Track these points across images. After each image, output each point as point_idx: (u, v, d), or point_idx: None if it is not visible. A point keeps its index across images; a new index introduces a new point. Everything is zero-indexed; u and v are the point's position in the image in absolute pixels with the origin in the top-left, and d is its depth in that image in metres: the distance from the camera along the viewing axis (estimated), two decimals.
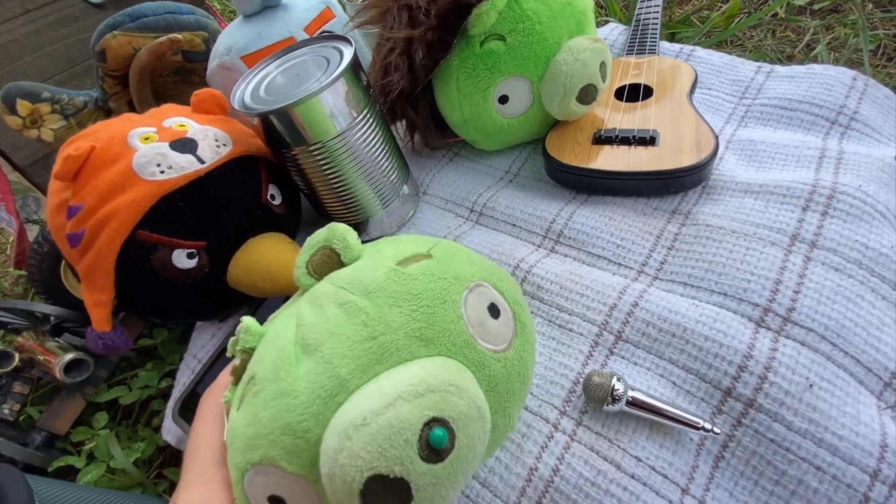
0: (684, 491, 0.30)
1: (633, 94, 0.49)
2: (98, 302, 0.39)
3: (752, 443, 0.30)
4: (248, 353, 0.26)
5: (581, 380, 0.34)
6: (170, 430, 0.44)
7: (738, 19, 0.70)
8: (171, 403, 0.45)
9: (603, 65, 0.42)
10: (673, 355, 0.34)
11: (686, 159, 0.40)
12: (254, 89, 0.41)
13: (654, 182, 0.41)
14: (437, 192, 0.52)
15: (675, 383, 0.33)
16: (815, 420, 0.29)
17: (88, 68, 0.69)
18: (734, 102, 0.50)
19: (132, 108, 0.60)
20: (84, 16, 0.69)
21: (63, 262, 0.55)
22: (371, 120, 0.42)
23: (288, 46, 0.44)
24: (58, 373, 0.49)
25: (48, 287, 0.55)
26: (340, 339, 0.23)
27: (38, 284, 0.55)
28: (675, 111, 0.45)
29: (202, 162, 0.38)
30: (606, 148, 0.44)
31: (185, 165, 0.37)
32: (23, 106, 0.55)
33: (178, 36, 0.53)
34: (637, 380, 0.34)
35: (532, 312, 0.39)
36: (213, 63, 0.53)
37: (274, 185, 0.44)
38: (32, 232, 0.68)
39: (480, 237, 0.45)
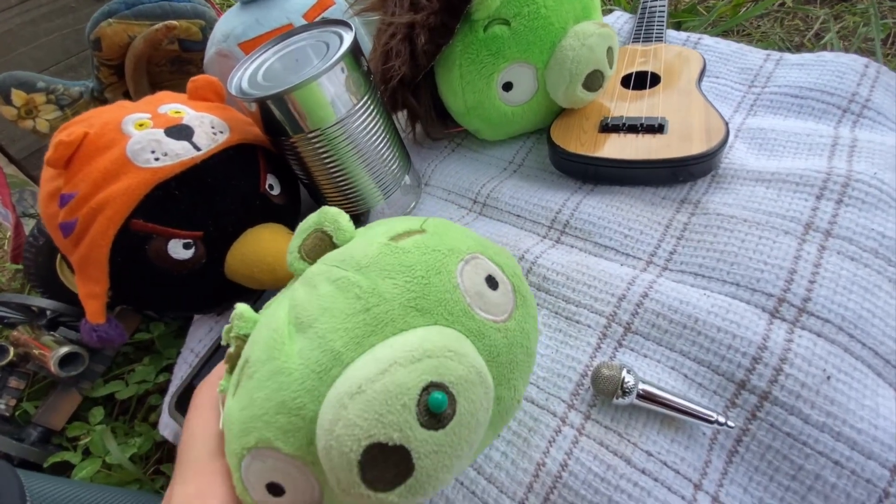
0: (697, 486, 0.29)
1: (640, 81, 0.48)
2: (92, 293, 0.38)
3: (768, 437, 0.29)
4: (243, 339, 0.25)
5: (589, 372, 0.33)
6: (167, 426, 0.43)
7: (745, 8, 0.68)
8: (167, 398, 0.44)
9: (610, 50, 0.41)
10: (684, 347, 0.33)
11: (696, 147, 0.39)
12: (251, 75, 0.40)
13: (663, 170, 0.40)
14: (439, 183, 0.51)
15: (686, 376, 0.32)
16: (833, 413, 0.28)
17: (84, 59, 0.68)
18: (743, 91, 0.49)
19: (128, 99, 0.59)
20: (80, 6, 0.68)
21: (59, 255, 0.54)
22: (372, 107, 0.41)
23: (287, 32, 0.43)
24: (52, 367, 0.48)
25: (44, 281, 0.54)
26: (334, 313, 0.22)
27: (34, 278, 0.54)
28: (683, 99, 0.44)
29: (198, 149, 0.37)
30: (613, 136, 0.42)
31: (180, 152, 0.36)
32: (18, 96, 0.54)
33: (175, 23, 0.52)
34: (647, 372, 0.32)
35: (538, 304, 0.38)
36: (210, 50, 0.52)
37: (272, 174, 0.43)
38: (29, 226, 0.68)
39: (484, 228, 0.44)
